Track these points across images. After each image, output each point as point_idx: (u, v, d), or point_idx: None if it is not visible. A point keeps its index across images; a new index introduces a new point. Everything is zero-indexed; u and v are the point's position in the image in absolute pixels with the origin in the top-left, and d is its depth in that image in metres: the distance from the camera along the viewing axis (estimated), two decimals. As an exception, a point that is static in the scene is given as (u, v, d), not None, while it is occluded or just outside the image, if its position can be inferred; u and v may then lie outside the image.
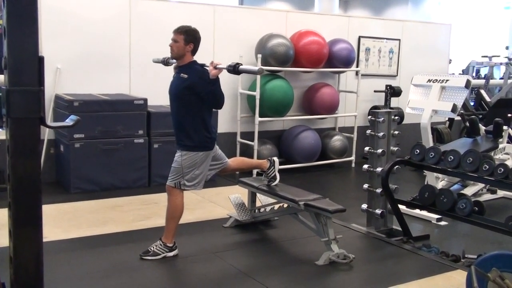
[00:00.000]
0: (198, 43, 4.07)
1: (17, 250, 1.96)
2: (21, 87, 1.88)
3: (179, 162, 4.03)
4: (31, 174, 1.94)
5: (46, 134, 6.11)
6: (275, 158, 4.72)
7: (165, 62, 4.35)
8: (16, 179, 1.93)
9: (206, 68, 3.95)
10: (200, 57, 4.22)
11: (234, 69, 3.81)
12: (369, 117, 5.05)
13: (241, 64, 3.84)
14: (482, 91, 9.80)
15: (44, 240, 2.05)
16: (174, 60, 4.20)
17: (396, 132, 5.00)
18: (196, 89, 3.93)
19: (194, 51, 4.06)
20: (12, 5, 1.84)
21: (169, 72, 4.40)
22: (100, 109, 5.90)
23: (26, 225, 1.96)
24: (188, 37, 4.00)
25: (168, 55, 4.21)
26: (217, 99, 3.98)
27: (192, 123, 4.01)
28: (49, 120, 6.08)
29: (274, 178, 4.67)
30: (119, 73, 6.60)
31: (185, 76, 3.98)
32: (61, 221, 4.87)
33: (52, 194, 5.59)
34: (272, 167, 4.66)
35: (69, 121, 2.13)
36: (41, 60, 1.90)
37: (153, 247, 4.06)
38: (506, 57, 11.39)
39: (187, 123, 4.02)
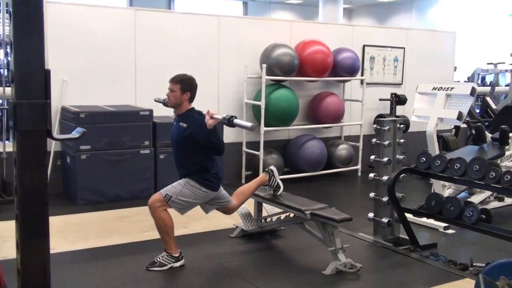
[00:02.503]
0: (195, 91, 4.13)
1: (25, 262, 1.96)
2: (28, 100, 1.89)
3: (180, 185, 4.07)
4: (38, 186, 1.95)
5: (53, 146, 6.14)
6: (272, 167, 4.73)
7: (165, 103, 4.30)
8: (23, 191, 1.93)
9: (204, 115, 3.99)
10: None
11: (229, 122, 3.90)
12: (375, 125, 5.05)
13: (236, 117, 3.93)
14: (488, 98, 9.78)
15: (51, 251, 2.06)
16: None
17: (402, 141, 4.99)
18: (195, 138, 4.00)
19: (191, 99, 4.12)
20: (19, 19, 1.85)
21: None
22: (106, 121, 5.93)
23: (33, 237, 1.96)
24: (185, 86, 4.06)
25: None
26: (217, 147, 4.03)
27: (196, 167, 4.08)
28: (55, 132, 6.12)
29: (278, 186, 4.67)
30: (124, 85, 6.64)
31: (184, 125, 4.05)
32: (68, 232, 4.88)
33: (59, 206, 5.61)
34: (273, 177, 4.66)
35: (75, 133, 2.14)
36: (47, 73, 1.92)
37: (159, 258, 4.06)
38: (511, 64, 11.38)
39: (191, 168, 4.09)
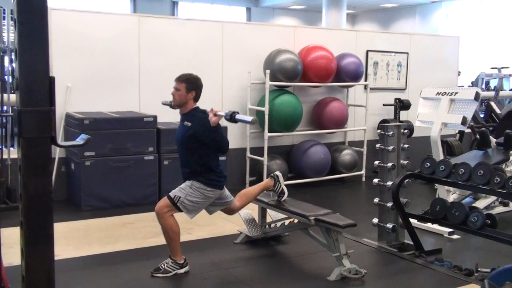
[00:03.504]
0: (200, 91, 4.14)
1: (29, 269, 1.97)
2: (33, 108, 1.89)
3: (188, 186, 4.08)
4: (43, 193, 1.95)
5: (57, 152, 6.16)
6: (278, 173, 4.73)
7: (172, 106, 4.33)
8: (28, 198, 1.94)
9: (208, 113, 4.01)
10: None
11: (231, 118, 3.95)
12: (379, 130, 5.05)
13: (238, 113, 3.97)
14: (492, 103, 9.76)
15: (56, 258, 2.06)
16: None
17: (406, 146, 4.98)
18: (199, 137, 4.01)
19: (196, 98, 4.14)
20: (24, 27, 1.86)
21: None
22: (110, 127, 5.95)
23: (38, 243, 1.97)
24: (190, 85, 4.08)
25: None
26: (220, 145, 4.04)
27: (200, 166, 4.09)
28: (60, 139, 6.13)
29: (283, 192, 4.67)
30: (128, 91, 6.66)
31: (189, 124, 4.07)
32: (73, 239, 4.89)
33: (63, 212, 5.62)
34: (278, 183, 4.66)
35: (79, 140, 2.14)
36: (52, 80, 1.92)
37: (164, 265, 4.06)
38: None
39: (195, 167, 4.10)
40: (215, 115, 3.92)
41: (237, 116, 3.94)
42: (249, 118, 3.98)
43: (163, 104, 4.50)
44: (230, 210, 4.44)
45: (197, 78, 4.14)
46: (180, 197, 4.03)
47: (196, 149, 4.06)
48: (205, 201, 4.14)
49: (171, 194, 4.07)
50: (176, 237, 4.05)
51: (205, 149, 4.05)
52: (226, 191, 4.31)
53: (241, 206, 4.52)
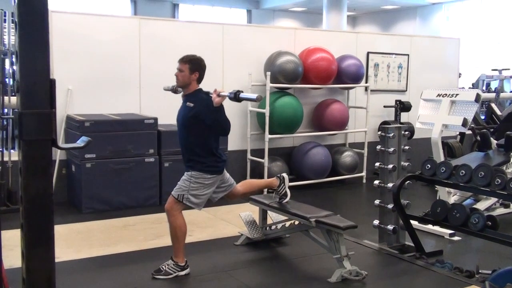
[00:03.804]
0: (203, 72, 4.14)
1: (30, 271, 1.96)
2: (33, 110, 1.89)
3: (187, 181, 4.07)
4: (43, 195, 1.95)
5: (58, 154, 6.16)
6: (285, 175, 4.72)
7: (174, 90, 4.37)
8: (28, 200, 1.94)
9: (211, 95, 4.00)
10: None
11: (235, 97, 3.93)
12: (379, 132, 5.05)
13: (242, 92, 3.95)
14: (493, 105, 9.76)
15: (56, 260, 2.06)
16: None
17: (407, 147, 4.98)
18: (201, 118, 3.99)
19: (199, 80, 4.13)
20: (24, 29, 1.87)
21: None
22: (111, 129, 5.96)
23: (39, 246, 1.97)
24: (193, 66, 4.07)
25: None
26: (223, 127, 4.03)
27: (201, 149, 4.07)
28: (60, 141, 6.14)
29: (285, 195, 4.66)
30: (129, 93, 6.66)
31: (191, 105, 4.05)
32: (73, 241, 4.89)
33: (64, 214, 5.63)
34: (282, 184, 4.66)
35: (80, 142, 2.14)
36: (52, 82, 1.92)
37: (165, 266, 4.06)
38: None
39: (196, 150, 4.08)
40: (219, 95, 3.91)
41: (241, 95, 3.92)
42: (254, 96, 3.93)
43: (165, 89, 4.52)
44: (232, 195, 4.44)
45: (200, 59, 4.14)
46: (183, 195, 4.04)
47: (198, 131, 4.04)
48: (208, 190, 4.13)
49: (174, 194, 4.08)
50: (182, 237, 4.05)
51: (207, 130, 4.02)
52: (226, 175, 4.31)
53: (243, 192, 4.52)
